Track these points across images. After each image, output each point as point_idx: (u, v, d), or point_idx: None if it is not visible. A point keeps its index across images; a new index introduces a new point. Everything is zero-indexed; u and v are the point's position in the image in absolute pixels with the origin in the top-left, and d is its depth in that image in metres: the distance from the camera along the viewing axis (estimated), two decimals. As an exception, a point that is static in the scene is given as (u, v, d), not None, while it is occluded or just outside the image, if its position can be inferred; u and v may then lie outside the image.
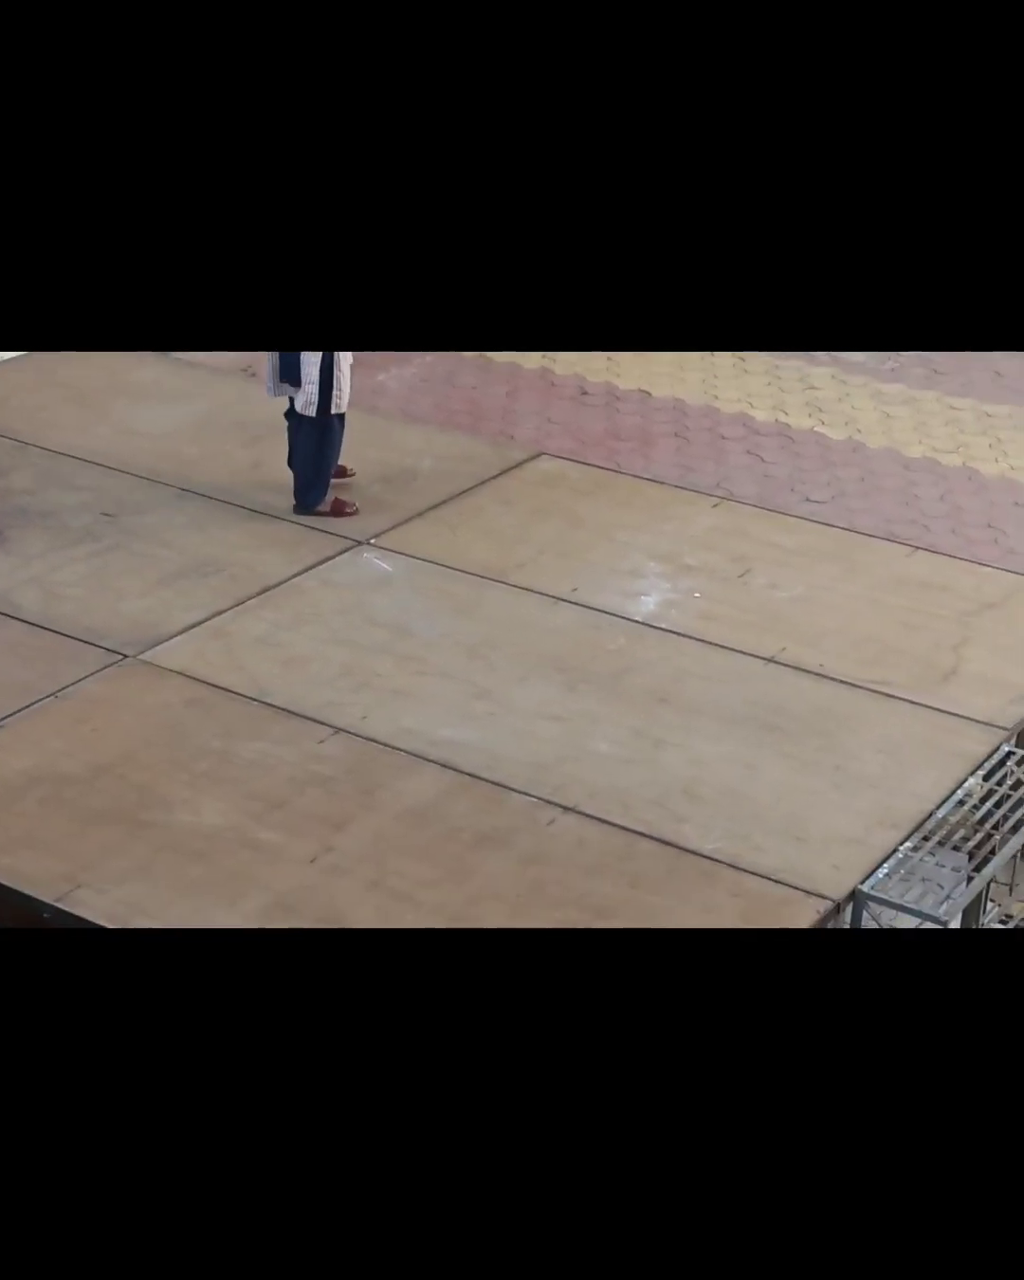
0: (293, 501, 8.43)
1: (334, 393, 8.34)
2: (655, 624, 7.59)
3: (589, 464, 9.42)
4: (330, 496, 8.48)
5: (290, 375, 8.32)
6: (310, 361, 8.22)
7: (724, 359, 11.47)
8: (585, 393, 10.83)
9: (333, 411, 8.38)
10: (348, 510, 8.44)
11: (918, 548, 8.62)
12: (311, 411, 8.31)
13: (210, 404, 9.60)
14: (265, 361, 8.51)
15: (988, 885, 6.33)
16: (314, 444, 8.43)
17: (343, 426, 8.55)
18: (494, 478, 8.89)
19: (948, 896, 5.97)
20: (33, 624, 7.35)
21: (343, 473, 8.74)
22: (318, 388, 8.27)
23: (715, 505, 8.85)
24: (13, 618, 7.40)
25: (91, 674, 7.02)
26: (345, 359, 8.34)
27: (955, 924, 6.15)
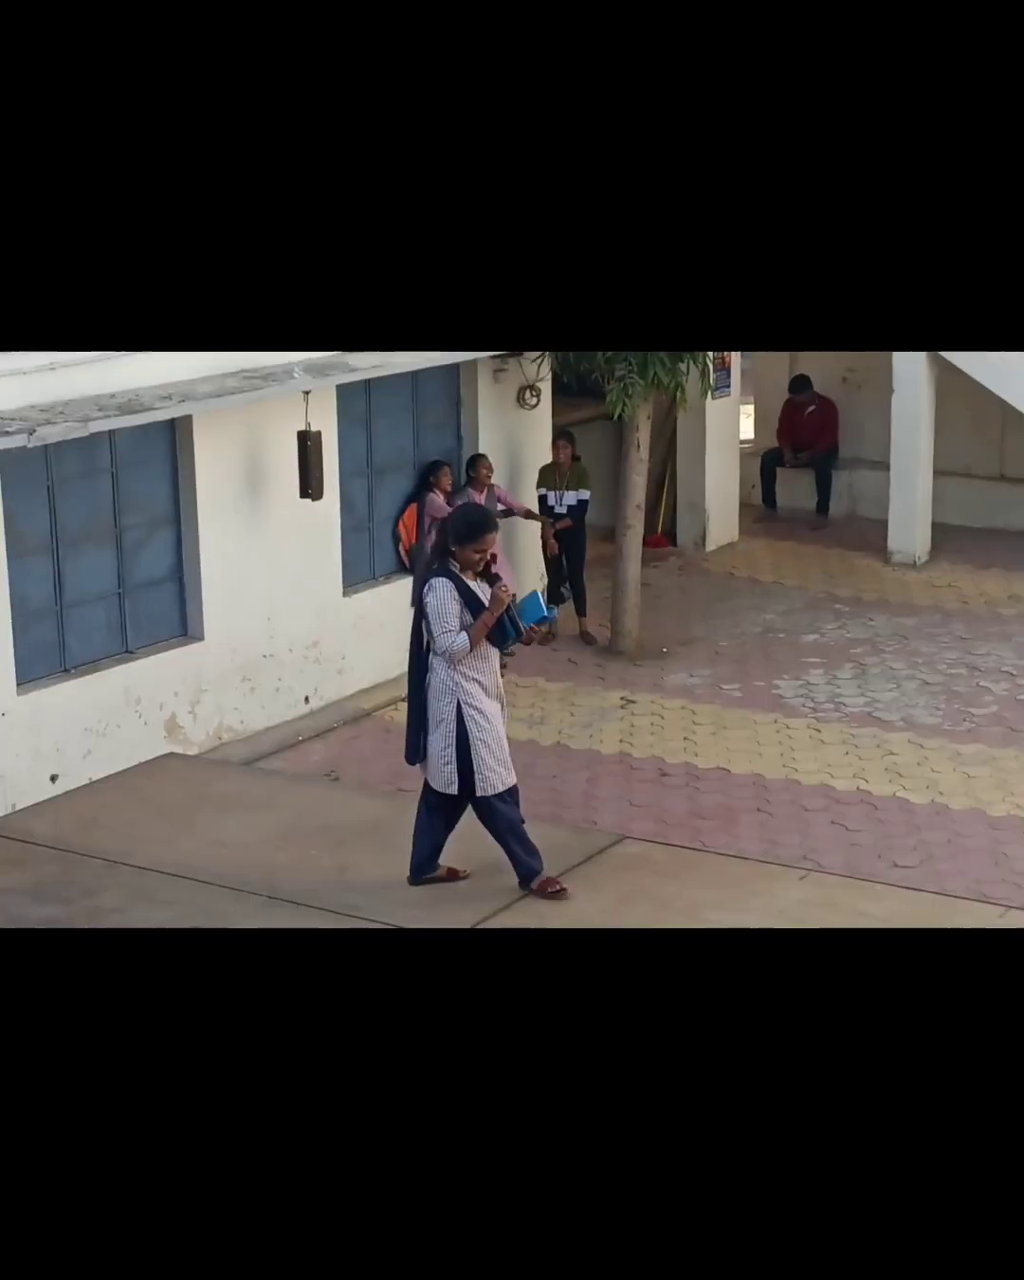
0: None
1: (477, 772, 8.10)
2: (752, 1002, 7.50)
3: (673, 845, 9.45)
4: (542, 875, 8.35)
5: (415, 751, 8.24)
6: (437, 744, 8.11)
7: (800, 731, 11.58)
8: (665, 774, 10.91)
9: (480, 793, 8.16)
10: (552, 890, 8.33)
11: (1011, 907, 8.54)
12: (452, 791, 8.20)
13: (295, 811, 9.72)
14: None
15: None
16: (489, 824, 8.30)
17: (511, 804, 8.28)
18: (579, 864, 8.91)
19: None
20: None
21: (455, 875, 8.56)
22: (450, 765, 8.10)
23: (802, 877, 8.82)
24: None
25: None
26: (483, 735, 8.09)
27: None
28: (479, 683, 8.09)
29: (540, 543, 13.51)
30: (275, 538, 11.46)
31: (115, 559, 10.65)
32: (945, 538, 15.83)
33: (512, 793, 8.27)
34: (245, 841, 9.28)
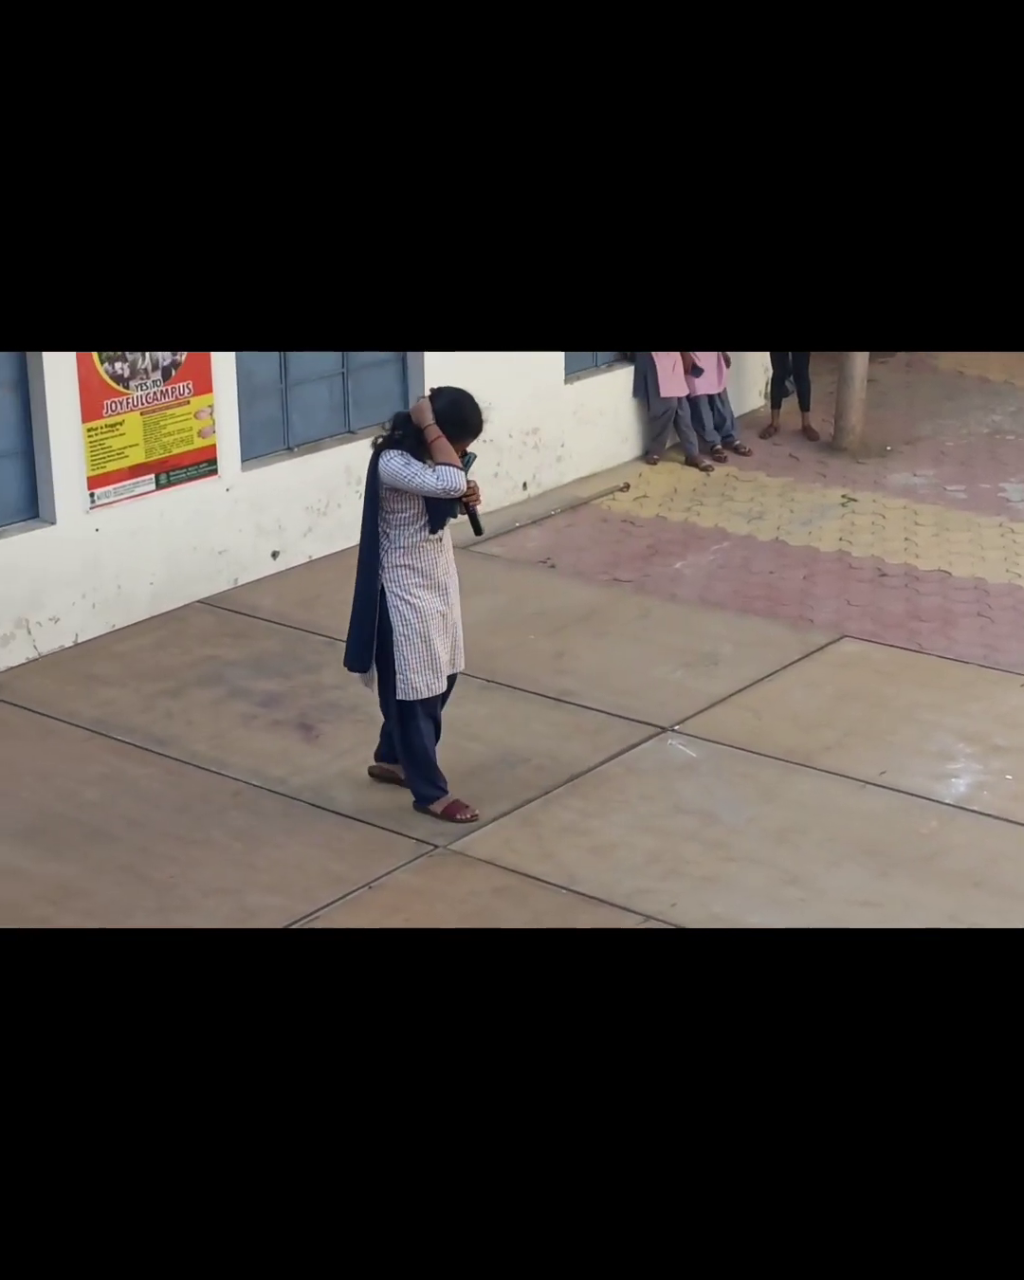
0: None
1: (398, 673, 7.32)
2: (968, 807, 7.46)
3: (892, 645, 9.36)
4: (447, 798, 7.52)
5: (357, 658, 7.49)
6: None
7: (1023, 537, 11.34)
8: (884, 574, 10.77)
9: (398, 696, 7.35)
10: (462, 816, 7.44)
11: None
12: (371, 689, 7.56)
13: (511, 595, 9.77)
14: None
15: None
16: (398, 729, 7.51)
17: (425, 716, 7.43)
18: (796, 661, 8.88)
19: None
20: (346, 816, 7.49)
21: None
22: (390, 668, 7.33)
23: None
24: (327, 810, 7.55)
25: (403, 864, 7.12)
26: (407, 630, 7.31)
27: None
28: (413, 569, 7.30)
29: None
30: (499, 321, 11.34)
31: (340, 338, 10.62)
32: None
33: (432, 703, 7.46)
34: (464, 624, 9.33)
